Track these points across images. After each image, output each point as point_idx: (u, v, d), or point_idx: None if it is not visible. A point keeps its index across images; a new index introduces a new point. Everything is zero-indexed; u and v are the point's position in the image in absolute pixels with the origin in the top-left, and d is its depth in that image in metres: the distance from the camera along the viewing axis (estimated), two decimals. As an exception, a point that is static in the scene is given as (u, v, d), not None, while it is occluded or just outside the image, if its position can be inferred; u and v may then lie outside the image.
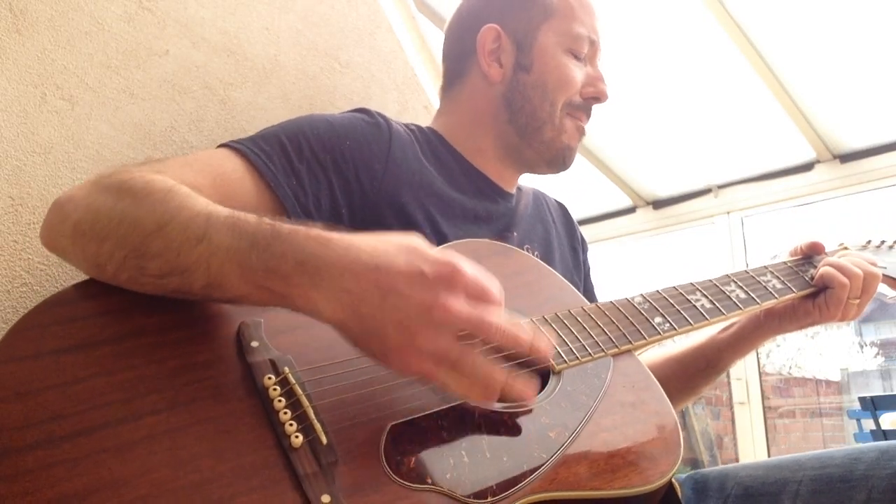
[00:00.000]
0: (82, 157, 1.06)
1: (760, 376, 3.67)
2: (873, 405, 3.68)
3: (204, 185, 0.89)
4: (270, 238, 0.71)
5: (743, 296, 1.07)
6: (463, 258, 0.70)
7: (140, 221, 0.75)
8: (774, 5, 2.90)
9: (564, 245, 1.31)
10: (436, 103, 1.40)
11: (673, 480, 0.87)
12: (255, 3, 1.31)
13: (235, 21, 1.27)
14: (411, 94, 1.57)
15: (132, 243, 0.75)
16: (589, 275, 1.36)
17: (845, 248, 1.23)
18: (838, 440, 5.35)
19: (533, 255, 1.17)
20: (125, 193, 0.79)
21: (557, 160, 1.18)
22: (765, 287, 1.09)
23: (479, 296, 0.69)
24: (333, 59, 1.43)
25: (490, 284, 0.70)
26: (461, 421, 0.76)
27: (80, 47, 1.08)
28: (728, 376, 3.86)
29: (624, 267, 4.34)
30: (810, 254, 1.18)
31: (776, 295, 1.09)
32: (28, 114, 1.01)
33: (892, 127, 3.26)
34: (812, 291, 1.13)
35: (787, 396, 5.43)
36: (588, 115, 1.20)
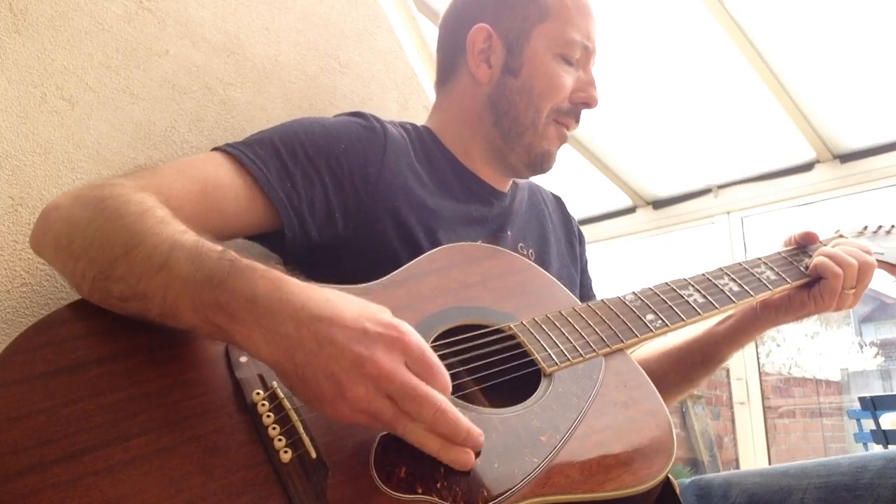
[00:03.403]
0: (82, 157, 1.06)
1: (760, 376, 3.67)
2: (873, 405, 3.69)
3: (194, 191, 0.90)
4: (226, 274, 0.71)
5: (736, 289, 1.06)
6: (415, 331, 0.70)
7: (109, 244, 0.76)
8: (774, 5, 2.90)
9: (561, 239, 1.30)
10: (436, 103, 1.40)
11: (671, 479, 0.86)
12: (255, 3, 1.31)
13: (235, 21, 1.27)
14: (411, 94, 1.57)
15: (100, 265, 0.76)
16: (586, 268, 1.35)
17: (841, 236, 1.20)
18: (838, 440, 5.36)
19: (528, 253, 1.17)
20: (102, 211, 0.79)
21: (536, 164, 1.17)
22: (758, 279, 1.08)
23: (422, 370, 0.69)
24: (333, 59, 1.43)
25: (438, 366, 0.70)
26: None
27: (80, 47, 1.08)
28: (728, 376, 3.86)
29: (624, 267, 4.34)
30: (804, 243, 1.16)
31: (770, 286, 1.08)
32: (28, 114, 1.01)
33: (892, 127, 3.26)
34: (807, 281, 1.11)
35: (787, 396, 5.44)
36: (577, 121, 1.18)
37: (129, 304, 0.75)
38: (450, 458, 0.70)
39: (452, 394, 0.80)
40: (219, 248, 0.74)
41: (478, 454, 0.71)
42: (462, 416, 0.69)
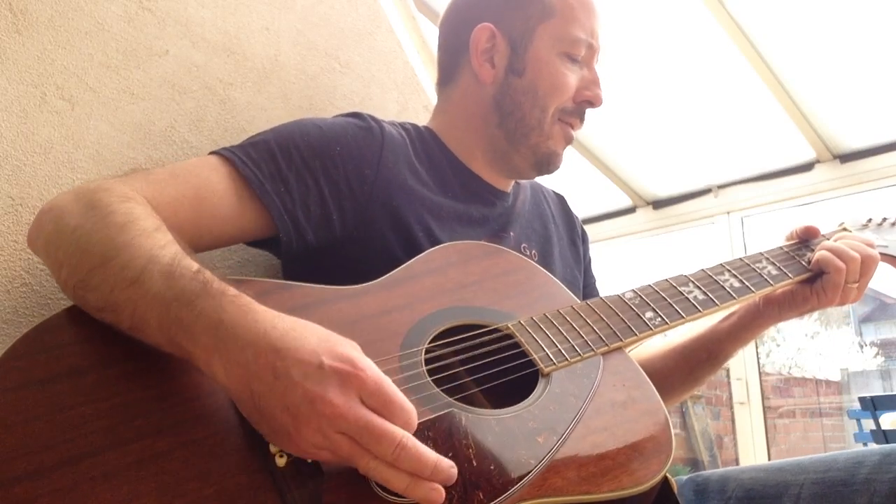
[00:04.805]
0: (82, 157, 1.06)
1: (760, 376, 3.67)
2: (873, 405, 3.69)
3: (188, 196, 0.90)
4: (195, 295, 0.70)
5: (737, 284, 1.05)
6: (374, 366, 0.68)
7: (89, 253, 0.77)
8: (774, 5, 2.90)
9: (564, 240, 1.29)
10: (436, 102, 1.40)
11: (669, 478, 0.86)
12: (255, 3, 1.31)
13: (235, 21, 1.27)
14: (411, 94, 1.57)
15: (80, 274, 0.76)
16: (590, 267, 1.35)
17: (845, 229, 1.20)
18: (838, 440, 5.35)
19: (531, 254, 1.16)
20: (88, 219, 0.79)
21: (542, 164, 1.16)
22: (760, 274, 1.07)
23: (380, 405, 0.66)
24: (333, 59, 1.43)
25: (399, 400, 0.67)
26: (448, 430, 0.75)
27: (80, 47, 1.08)
28: (728, 376, 3.86)
29: (624, 267, 4.34)
30: (806, 237, 1.16)
31: (771, 282, 1.07)
32: (28, 114, 1.01)
33: (892, 127, 3.26)
34: (809, 276, 1.10)
35: (787, 396, 5.43)
36: (581, 120, 1.17)
37: (103, 314, 0.75)
38: (419, 496, 0.67)
39: (451, 395, 0.80)
40: (195, 266, 0.73)
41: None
42: (427, 450, 0.67)
